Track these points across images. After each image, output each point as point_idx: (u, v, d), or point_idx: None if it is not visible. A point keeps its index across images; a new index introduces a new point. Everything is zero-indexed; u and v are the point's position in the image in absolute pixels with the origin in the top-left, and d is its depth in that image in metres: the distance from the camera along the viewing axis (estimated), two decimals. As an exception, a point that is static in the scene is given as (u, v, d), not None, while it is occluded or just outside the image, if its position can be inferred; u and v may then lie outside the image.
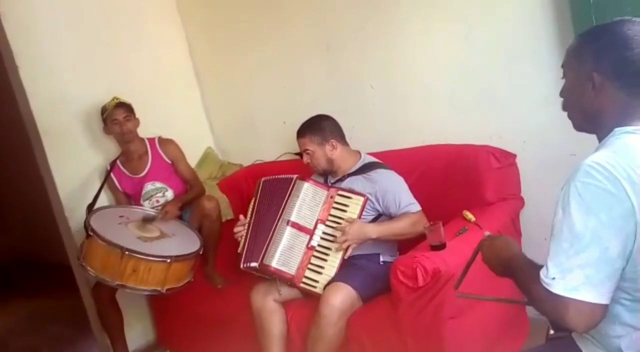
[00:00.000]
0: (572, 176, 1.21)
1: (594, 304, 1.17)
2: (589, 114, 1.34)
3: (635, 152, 1.22)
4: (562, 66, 1.39)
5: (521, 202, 2.67)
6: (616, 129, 1.28)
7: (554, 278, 1.19)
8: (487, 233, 1.58)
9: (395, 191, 2.53)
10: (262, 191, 2.72)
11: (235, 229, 2.66)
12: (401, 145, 2.94)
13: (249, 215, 2.69)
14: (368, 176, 2.59)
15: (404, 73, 2.97)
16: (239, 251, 2.62)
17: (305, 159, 2.68)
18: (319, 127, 2.65)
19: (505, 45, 2.64)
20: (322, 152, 2.63)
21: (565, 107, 1.41)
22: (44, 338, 3.87)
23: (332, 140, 2.63)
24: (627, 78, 1.28)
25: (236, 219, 2.76)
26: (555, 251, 1.21)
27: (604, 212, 1.16)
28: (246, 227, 2.65)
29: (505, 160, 2.62)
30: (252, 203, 2.72)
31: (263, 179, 2.76)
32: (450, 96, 2.84)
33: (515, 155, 2.65)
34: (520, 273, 1.33)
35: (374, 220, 2.57)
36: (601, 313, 1.19)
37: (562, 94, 1.40)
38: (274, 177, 2.73)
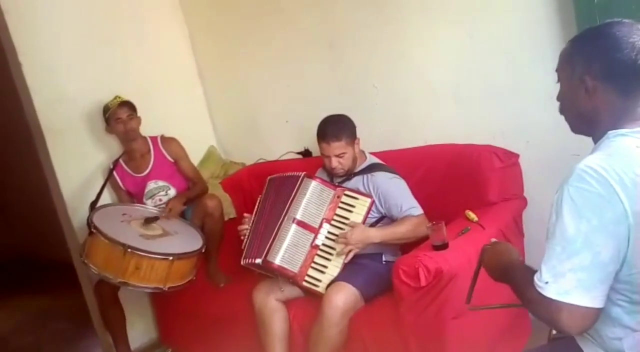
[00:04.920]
0: (565, 180, 1.22)
1: (587, 308, 1.18)
2: (584, 117, 1.35)
3: (629, 155, 1.23)
4: (556, 71, 1.40)
5: (524, 202, 2.66)
6: (610, 132, 1.29)
7: (547, 282, 1.20)
8: (493, 240, 1.59)
9: (397, 194, 2.52)
10: (268, 188, 2.71)
11: (240, 227, 2.66)
12: (404, 144, 2.93)
13: (254, 212, 2.68)
14: (371, 178, 2.59)
15: (406, 72, 2.96)
16: (242, 247, 2.62)
17: (334, 163, 2.55)
18: (348, 126, 2.58)
19: (509, 45, 2.63)
20: (353, 152, 2.58)
21: (562, 111, 1.42)
22: (47, 336, 3.89)
23: (357, 137, 2.61)
24: (618, 79, 1.29)
25: (239, 218, 2.76)
26: (549, 254, 1.22)
27: (595, 217, 1.17)
28: (251, 224, 2.64)
29: (508, 160, 2.61)
30: (258, 200, 2.71)
31: (270, 176, 2.74)
32: (453, 95, 2.84)
33: (518, 155, 2.64)
34: (517, 277, 1.34)
35: (377, 222, 2.57)
36: (594, 317, 1.20)
37: (558, 98, 1.41)
38: (281, 174, 2.72)
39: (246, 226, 2.65)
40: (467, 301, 1.63)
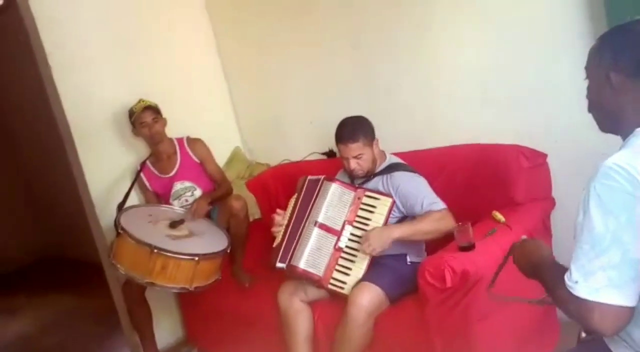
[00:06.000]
0: (591, 178, 1.21)
1: (619, 307, 1.16)
2: (611, 114, 1.34)
3: None
4: (585, 68, 1.39)
5: (552, 202, 2.62)
6: (638, 129, 1.27)
7: (577, 281, 1.19)
8: (524, 237, 1.57)
9: (416, 192, 2.50)
10: (305, 190, 2.65)
11: (272, 223, 2.65)
12: (430, 144, 2.91)
13: (289, 211, 2.65)
14: (390, 178, 2.57)
15: (432, 71, 2.94)
16: (274, 246, 2.61)
17: (353, 164, 2.53)
18: (366, 127, 2.56)
19: (536, 43, 2.60)
20: (371, 153, 2.55)
21: (590, 109, 1.41)
22: (75, 334, 3.95)
23: (376, 138, 2.59)
24: None
25: (264, 218, 2.76)
26: (577, 253, 1.21)
27: (623, 214, 1.16)
28: (285, 223, 2.62)
29: (536, 159, 2.57)
30: (294, 200, 2.68)
31: (309, 177, 2.69)
32: (479, 94, 2.81)
33: (546, 155, 2.61)
34: (547, 276, 1.33)
35: (399, 222, 2.55)
36: (627, 316, 1.18)
37: (587, 95, 1.40)
38: (314, 177, 2.68)
39: (279, 227, 2.63)
40: (488, 287, 1.62)
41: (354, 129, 2.54)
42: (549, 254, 1.44)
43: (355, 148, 2.52)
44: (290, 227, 2.60)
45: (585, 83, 1.40)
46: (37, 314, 4.50)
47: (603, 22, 2.32)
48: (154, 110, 3.11)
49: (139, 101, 3.12)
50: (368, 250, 2.37)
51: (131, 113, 3.12)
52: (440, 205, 2.45)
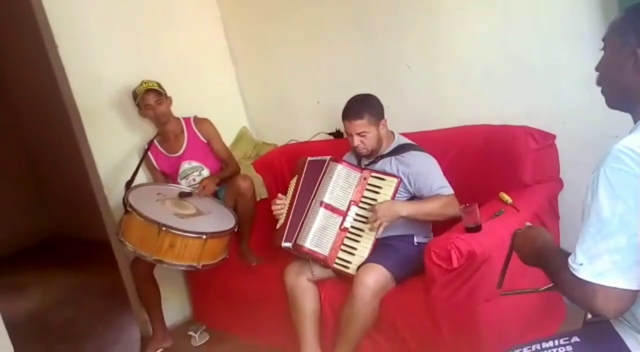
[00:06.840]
0: (602, 161, 1.20)
1: (622, 290, 1.16)
2: (627, 91, 1.30)
3: None
4: (603, 40, 1.34)
5: (560, 184, 2.61)
6: None
7: (581, 264, 1.19)
8: (528, 224, 1.56)
9: (427, 173, 2.50)
10: (306, 170, 2.68)
11: (273, 207, 2.66)
12: (437, 125, 2.90)
13: (290, 193, 2.67)
14: (401, 158, 2.56)
15: (440, 52, 2.92)
16: (277, 227, 2.63)
17: (356, 141, 2.52)
18: (373, 106, 2.55)
19: (545, 22, 2.57)
20: (376, 132, 2.54)
21: (600, 82, 1.36)
22: (83, 312, 3.98)
23: (384, 119, 2.58)
24: None
25: (271, 198, 2.77)
26: (583, 236, 1.20)
27: (631, 198, 1.15)
28: (288, 204, 2.64)
29: (544, 141, 2.56)
30: (294, 181, 2.70)
31: (309, 158, 2.71)
32: (488, 75, 2.79)
33: (554, 136, 2.59)
34: (550, 260, 1.32)
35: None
36: (630, 299, 1.18)
37: (599, 68, 1.35)
38: (315, 158, 2.70)
39: (279, 207, 2.65)
40: (498, 286, 1.62)
41: (360, 106, 2.54)
42: (551, 239, 1.43)
43: (359, 125, 2.51)
44: (295, 207, 2.61)
45: (597, 60, 1.35)
46: (45, 291, 4.54)
47: (614, 2, 2.28)
48: (157, 92, 3.08)
49: (141, 83, 3.09)
50: (373, 220, 2.38)
51: (135, 95, 3.11)
52: (449, 190, 2.46)
